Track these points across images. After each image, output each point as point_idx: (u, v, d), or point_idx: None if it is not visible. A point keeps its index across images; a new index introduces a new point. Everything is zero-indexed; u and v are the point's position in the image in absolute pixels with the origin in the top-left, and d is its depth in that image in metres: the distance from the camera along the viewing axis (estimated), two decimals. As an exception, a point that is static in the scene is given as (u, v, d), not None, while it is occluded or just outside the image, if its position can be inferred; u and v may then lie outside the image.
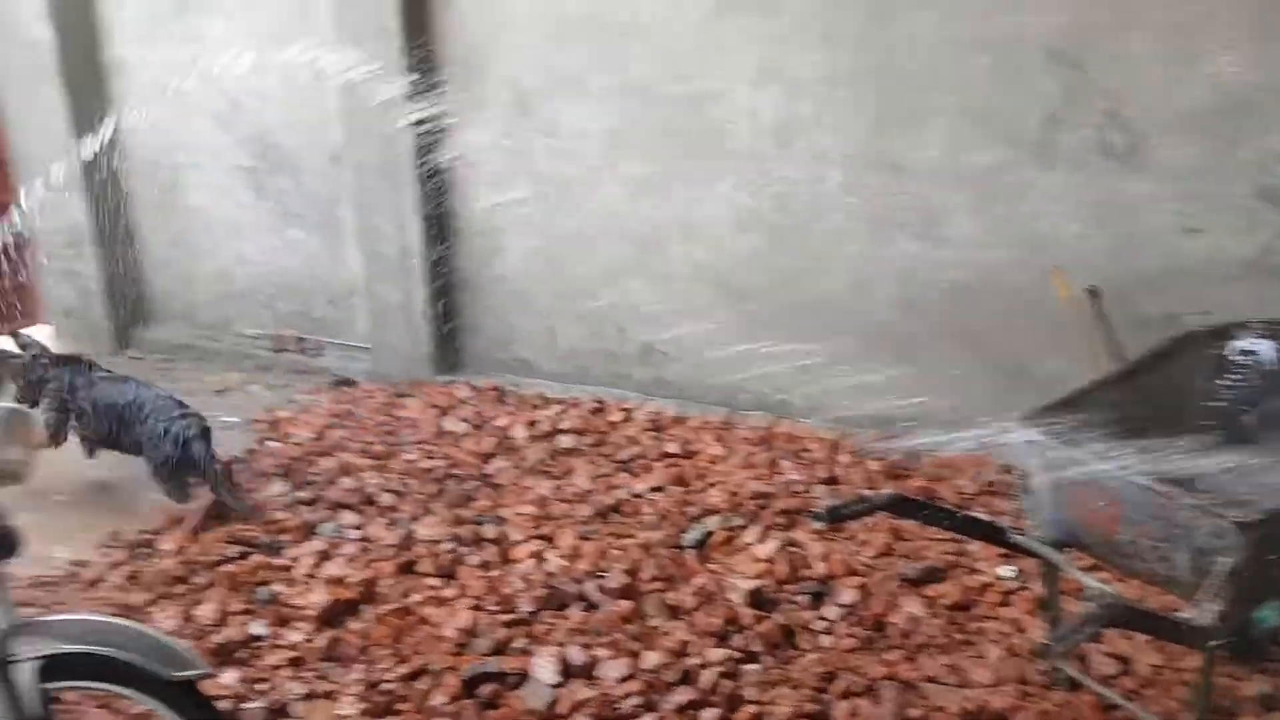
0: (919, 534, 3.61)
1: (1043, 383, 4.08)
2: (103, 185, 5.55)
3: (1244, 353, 2.86)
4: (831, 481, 4.02)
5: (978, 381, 4.23)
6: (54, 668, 2.09)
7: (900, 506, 2.58)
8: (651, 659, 2.96)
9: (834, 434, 4.40)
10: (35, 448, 2.19)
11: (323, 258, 5.33)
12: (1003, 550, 3.32)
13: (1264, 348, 2.86)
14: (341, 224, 5.20)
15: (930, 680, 2.88)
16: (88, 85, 5.42)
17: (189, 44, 5.21)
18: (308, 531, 3.75)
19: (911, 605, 3.20)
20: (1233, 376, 2.85)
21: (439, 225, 4.96)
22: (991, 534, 2.58)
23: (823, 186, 4.27)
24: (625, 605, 3.22)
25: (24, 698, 2.06)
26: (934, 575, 3.37)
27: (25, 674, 2.06)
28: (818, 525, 2.41)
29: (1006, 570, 3.35)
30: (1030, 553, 2.55)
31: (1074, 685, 2.78)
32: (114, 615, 3.15)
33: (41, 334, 5.76)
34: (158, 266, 5.77)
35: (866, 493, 3.77)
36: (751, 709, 2.77)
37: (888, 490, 3.64)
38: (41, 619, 2.28)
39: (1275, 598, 2.86)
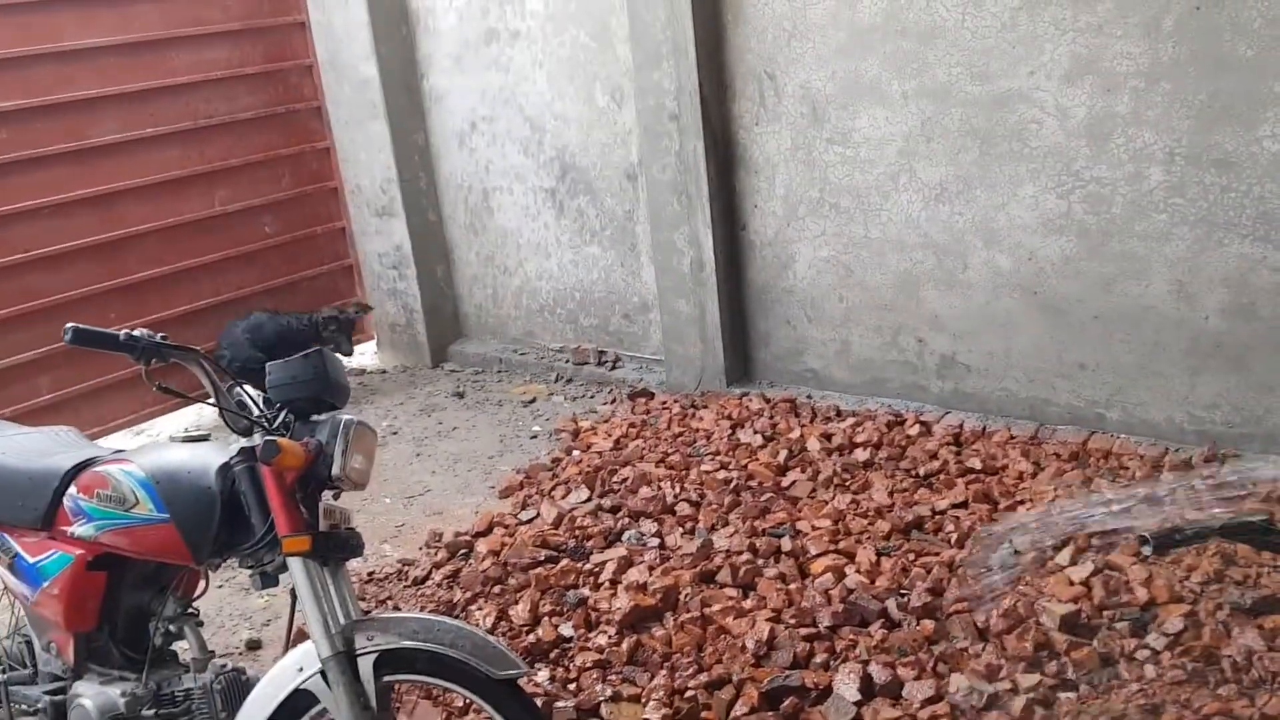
0: (1254, 559, 3.30)
1: None
2: (422, 210, 6.05)
3: None
4: (1153, 502, 3.73)
5: (1326, 395, 3.82)
6: (391, 661, 2.28)
7: (1238, 533, 2.36)
8: (958, 681, 2.87)
9: (1156, 451, 4.09)
10: (373, 455, 2.39)
11: (619, 273, 5.55)
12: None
13: None
14: (637, 240, 5.40)
15: (1273, 722, 2.62)
16: (408, 116, 5.91)
17: (497, 72, 5.58)
18: (611, 538, 3.90)
19: (1247, 637, 2.92)
20: None
21: (731, 238, 5.04)
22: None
23: (1142, 186, 3.98)
24: (929, 625, 3.14)
25: (364, 687, 2.26)
26: (1273, 605, 3.06)
27: (365, 665, 2.26)
28: (1146, 552, 2.24)
29: (1365, 606, 2.99)
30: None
31: None
32: (441, 614, 3.42)
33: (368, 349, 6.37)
34: (470, 285, 6.20)
35: (1198, 515, 3.48)
36: (1068, 741, 2.63)
37: (1221, 513, 3.33)
38: (380, 615, 2.50)
39: None
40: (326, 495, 2.34)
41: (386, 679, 2.29)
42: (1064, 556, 3.44)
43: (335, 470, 2.26)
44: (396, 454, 5.06)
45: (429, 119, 5.95)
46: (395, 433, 5.32)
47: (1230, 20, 3.69)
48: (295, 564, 2.25)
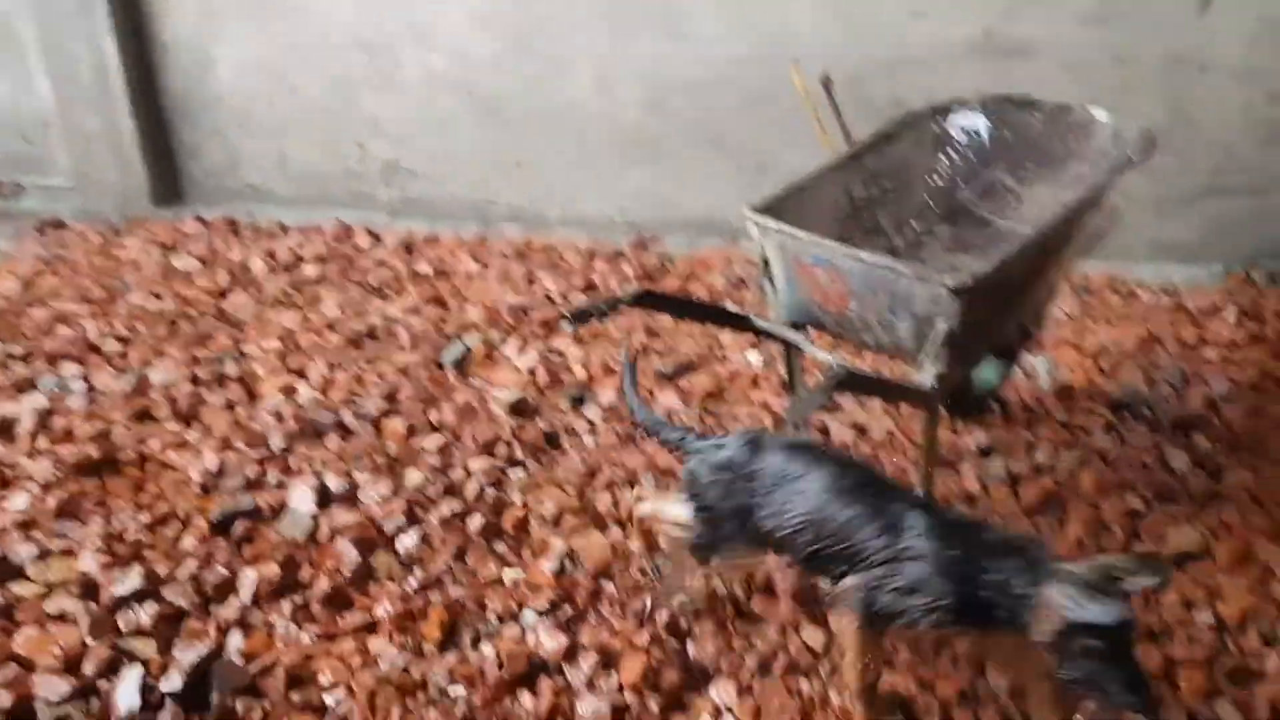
0: (673, 331, 3.68)
1: (786, 176, 4.18)
2: None
3: (962, 130, 2.98)
4: (589, 289, 4.02)
5: (725, 179, 4.27)
6: None
7: (646, 301, 2.57)
8: (414, 477, 2.92)
9: (589, 242, 4.37)
10: None
11: (6, 86, 4.73)
12: (751, 339, 3.45)
13: (981, 124, 2.98)
14: (24, 45, 4.60)
15: (687, 466, 2.97)
16: None
17: None
18: (24, 388, 3.43)
19: (668, 398, 3.27)
20: (952, 153, 2.97)
21: (140, 40, 4.46)
22: (735, 321, 2.63)
23: (560, -19, 4.09)
24: (385, 428, 3.15)
25: None
26: (688, 368, 3.45)
27: None
28: (568, 329, 2.38)
29: (754, 356, 3.47)
30: (773, 335, 2.62)
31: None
32: None
33: None
34: None
35: (615, 292, 3.79)
36: (517, 512, 2.79)
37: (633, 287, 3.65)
38: None
39: (993, 358, 3.10)
40: None
41: None
42: (511, 348, 3.60)
43: None
44: None
45: None
46: None
47: None
48: None
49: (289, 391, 3.36)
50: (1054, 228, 2.46)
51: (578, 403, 3.31)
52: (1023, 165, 3.00)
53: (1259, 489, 2.80)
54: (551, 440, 3.15)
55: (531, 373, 3.46)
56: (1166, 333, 3.53)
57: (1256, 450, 2.96)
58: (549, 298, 3.94)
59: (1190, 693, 2.21)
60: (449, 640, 2.44)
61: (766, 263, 2.65)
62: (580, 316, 2.36)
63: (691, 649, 2.36)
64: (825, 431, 3.08)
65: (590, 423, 3.21)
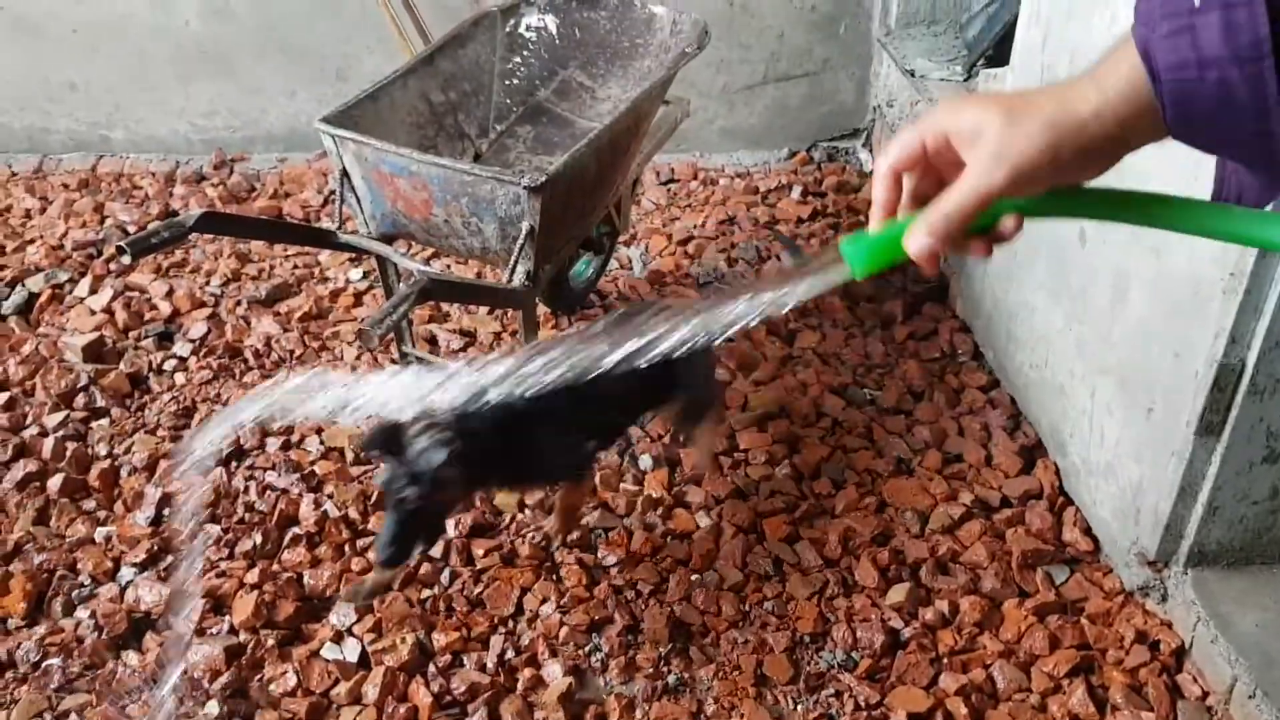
0: (267, 255, 3.51)
1: (367, 82, 4.04)
2: None
3: (532, 29, 3.00)
4: (168, 217, 3.72)
5: (304, 88, 4.07)
6: None
7: (210, 224, 2.41)
8: (-28, 444, 2.62)
9: (167, 166, 4.04)
10: None
11: None
12: (353, 255, 3.35)
13: (549, 22, 3.02)
14: None
15: (286, 391, 2.87)
16: None
17: None
18: None
19: (265, 325, 3.13)
20: (526, 53, 2.99)
21: None
22: (314, 237, 2.54)
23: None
24: (-68, 393, 2.79)
25: None
26: (285, 292, 3.31)
27: None
28: (125, 260, 2.19)
29: (356, 273, 3.38)
30: (358, 249, 2.56)
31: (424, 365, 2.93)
32: None
33: None
34: None
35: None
36: (104, 464, 2.59)
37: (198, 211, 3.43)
38: None
39: (587, 254, 3.22)
40: None
41: None
42: (83, 288, 3.29)
43: None
44: None
45: None
46: None
47: None
48: None
49: None
50: (620, 123, 2.56)
51: (164, 339, 3.09)
52: (595, 62, 3.08)
53: (822, 347, 3.12)
54: (138, 383, 2.92)
55: (109, 313, 3.18)
56: (742, 214, 3.81)
57: (822, 313, 3.29)
58: (123, 229, 3.61)
59: (774, 539, 2.45)
60: (37, 611, 2.24)
61: (347, 174, 2.57)
62: (138, 246, 2.19)
63: (308, 578, 2.31)
64: (433, 341, 3.08)
65: (180, 359, 3.01)
